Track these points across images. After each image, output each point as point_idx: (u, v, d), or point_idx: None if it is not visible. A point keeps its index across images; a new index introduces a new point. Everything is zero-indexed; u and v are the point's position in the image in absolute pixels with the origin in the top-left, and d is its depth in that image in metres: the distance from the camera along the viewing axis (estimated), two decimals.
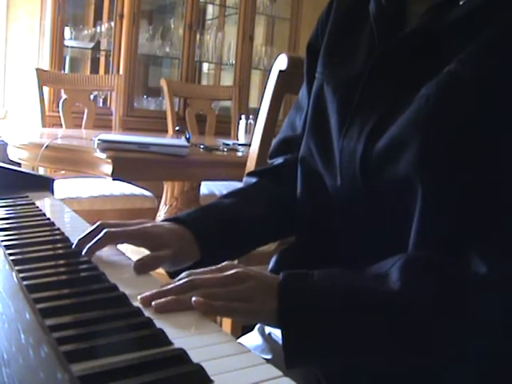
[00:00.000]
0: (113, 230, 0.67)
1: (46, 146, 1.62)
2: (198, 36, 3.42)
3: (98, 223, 0.68)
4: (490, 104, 0.58)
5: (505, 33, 0.58)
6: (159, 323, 0.47)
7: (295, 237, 0.82)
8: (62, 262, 0.65)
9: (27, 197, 0.99)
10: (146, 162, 1.61)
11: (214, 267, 0.59)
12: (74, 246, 0.67)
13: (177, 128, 2.69)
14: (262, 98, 1.40)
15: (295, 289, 0.56)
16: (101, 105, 3.29)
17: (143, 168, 1.62)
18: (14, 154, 1.82)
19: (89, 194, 2.32)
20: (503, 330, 0.57)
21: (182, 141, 1.87)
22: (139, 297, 0.53)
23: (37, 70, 2.67)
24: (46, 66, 2.98)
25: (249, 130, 2.34)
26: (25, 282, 0.54)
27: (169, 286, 0.55)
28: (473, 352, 0.59)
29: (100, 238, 0.65)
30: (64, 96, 2.68)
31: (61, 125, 2.64)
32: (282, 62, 1.32)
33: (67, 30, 3.09)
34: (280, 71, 1.33)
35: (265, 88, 1.38)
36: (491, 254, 0.56)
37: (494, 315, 0.56)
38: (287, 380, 0.40)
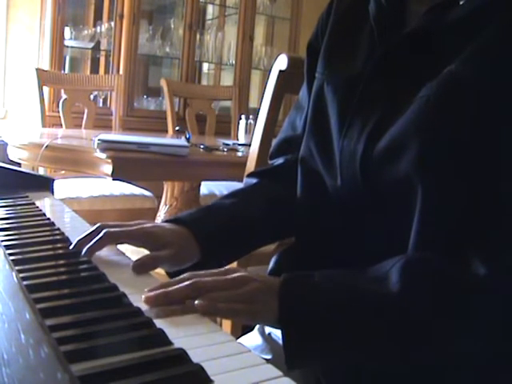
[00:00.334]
0: (112, 230, 0.67)
1: (46, 146, 1.62)
2: (198, 36, 3.42)
3: (97, 224, 0.68)
4: (489, 104, 0.58)
5: (505, 33, 0.58)
6: (159, 323, 0.47)
7: (295, 237, 0.82)
8: (62, 262, 0.65)
9: (27, 197, 0.99)
10: (146, 162, 1.61)
11: (215, 270, 0.59)
12: (72, 247, 0.67)
13: (177, 128, 2.69)
14: (262, 98, 1.40)
15: (296, 290, 0.56)
16: (101, 105, 3.30)
17: (143, 168, 1.62)
18: (14, 153, 1.82)
19: (89, 194, 2.32)
20: (503, 330, 0.57)
21: (182, 141, 1.87)
22: (143, 296, 0.53)
23: (37, 70, 2.67)
24: (46, 66, 2.98)
25: (249, 130, 2.34)
26: (25, 282, 0.54)
27: (172, 288, 0.55)
28: (473, 352, 0.59)
29: (99, 239, 0.65)
30: (64, 96, 2.68)
31: (61, 125, 2.64)
32: (281, 62, 1.32)
33: (67, 30, 3.09)
34: (280, 71, 1.33)
35: (265, 88, 1.38)
36: (491, 255, 0.56)
37: (493, 316, 0.56)
38: (287, 380, 0.40)
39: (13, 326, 0.45)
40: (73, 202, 2.19)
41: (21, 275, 0.56)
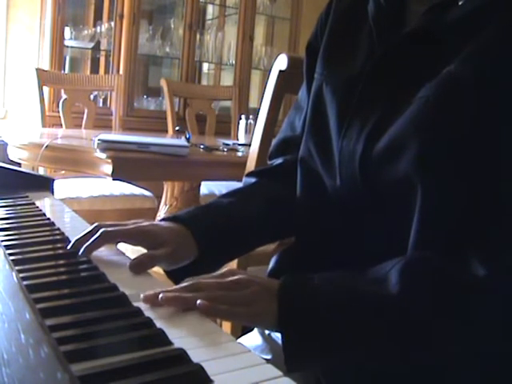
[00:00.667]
0: (109, 229, 0.67)
1: (46, 146, 1.62)
2: (198, 36, 3.42)
3: (94, 224, 0.68)
4: (489, 104, 0.58)
5: (504, 33, 0.58)
6: (159, 323, 0.47)
7: (295, 237, 0.82)
8: (61, 262, 0.64)
9: (27, 197, 0.99)
10: (146, 162, 1.61)
11: (216, 273, 0.59)
12: (69, 247, 0.66)
13: (177, 128, 2.69)
14: (262, 98, 1.39)
15: (295, 293, 0.57)
16: (101, 105, 3.29)
17: (143, 168, 1.62)
18: (14, 153, 1.82)
19: (89, 194, 2.32)
20: (503, 330, 0.57)
21: (182, 141, 1.87)
22: (142, 295, 0.53)
23: (37, 70, 2.67)
24: (46, 66, 2.98)
25: (249, 130, 2.34)
26: (25, 282, 0.54)
27: (174, 287, 0.55)
28: (473, 352, 0.59)
29: (97, 238, 0.65)
30: (64, 96, 2.68)
31: (61, 125, 2.64)
32: (282, 62, 1.32)
33: (67, 30, 3.09)
34: (280, 71, 1.33)
35: (265, 88, 1.38)
36: (491, 255, 0.56)
37: (493, 316, 0.56)
38: (287, 380, 0.40)
39: (13, 325, 0.45)
40: (73, 201, 2.19)
41: (21, 275, 0.56)
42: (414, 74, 0.64)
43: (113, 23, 3.15)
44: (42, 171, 2.38)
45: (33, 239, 0.71)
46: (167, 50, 3.43)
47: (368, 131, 0.66)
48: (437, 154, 0.59)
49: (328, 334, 0.55)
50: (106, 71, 3.33)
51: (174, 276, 0.73)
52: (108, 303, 0.51)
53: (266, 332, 0.84)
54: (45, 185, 1.07)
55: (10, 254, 0.63)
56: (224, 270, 0.60)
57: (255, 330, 0.87)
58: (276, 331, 0.57)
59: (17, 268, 0.58)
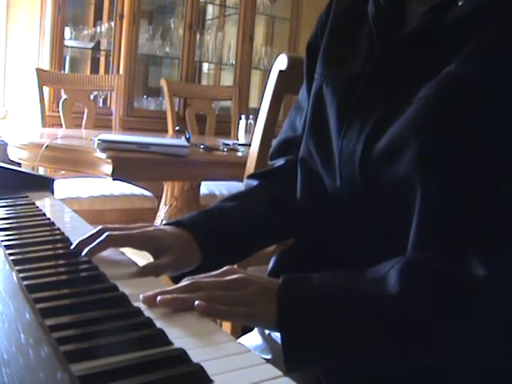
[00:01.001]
0: (115, 233, 0.67)
1: (46, 146, 1.62)
2: (198, 36, 3.42)
3: (99, 227, 0.68)
4: (489, 104, 0.58)
5: (504, 33, 0.58)
6: (159, 323, 0.47)
7: (295, 237, 0.82)
8: (62, 262, 0.65)
9: (27, 197, 0.99)
10: (146, 162, 1.61)
11: (215, 272, 0.59)
12: (72, 247, 0.67)
13: (177, 128, 2.69)
14: (262, 98, 1.39)
15: (295, 292, 0.57)
16: (101, 105, 3.29)
17: (143, 168, 1.62)
18: (14, 153, 1.82)
19: (89, 194, 2.32)
20: (503, 330, 0.57)
21: (182, 141, 1.87)
22: (141, 296, 0.53)
23: (37, 70, 2.67)
24: (46, 66, 2.98)
25: (249, 130, 2.34)
26: (25, 282, 0.54)
27: (172, 287, 0.55)
28: (473, 352, 0.59)
29: (101, 241, 0.65)
30: (64, 96, 2.68)
31: (61, 125, 2.64)
32: (282, 62, 1.32)
33: (67, 30, 3.09)
34: (280, 71, 1.32)
35: (265, 88, 1.38)
36: (491, 256, 0.56)
37: (493, 316, 0.56)
38: (287, 380, 0.40)
39: (13, 325, 0.45)
40: (73, 201, 2.19)
41: (21, 275, 0.56)
42: (414, 74, 0.64)
43: (113, 23, 3.15)
44: (42, 171, 2.39)
45: (33, 239, 0.71)
46: (167, 50, 3.44)
47: (368, 131, 0.66)
48: (437, 154, 0.59)
49: (328, 334, 0.55)
50: (106, 71, 3.33)
51: (177, 280, 0.73)
52: (108, 303, 0.51)
53: (266, 332, 0.84)
54: (45, 185, 1.07)
55: (10, 254, 0.63)
56: (224, 268, 0.60)
57: (255, 329, 0.87)
58: (275, 331, 0.57)
59: (17, 268, 0.58)
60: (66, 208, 0.95)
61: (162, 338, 0.44)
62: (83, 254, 0.64)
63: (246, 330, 0.89)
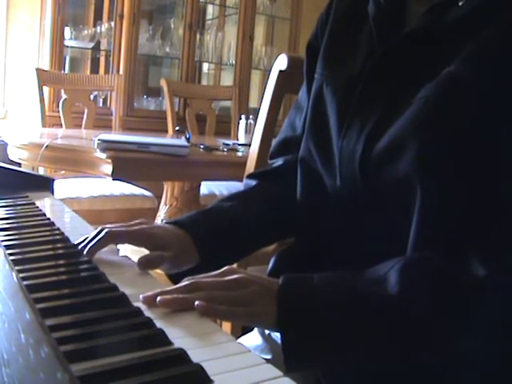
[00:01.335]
0: (114, 229, 0.68)
1: (46, 146, 1.62)
2: (198, 36, 3.42)
3: (98, 228, 0.69)
4: (489, 104, 0.58)
5: (504, 33, 0.58)
6: (159, 323, 0.47)
7: (295, 237, 0.82)
8: (61, 262, 0.65)
9: (27, 197, 0.99)
10: (146, 162, 1.61)
11: (215, 272, 0.59)
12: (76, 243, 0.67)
13: (177, 128, 2.69)
14: (262, 98, 1.39)
15: (294, 293, 0.57)
16: (101, 105, 3.29)
17: (143, 168, 1.62)
18: (14, 153, 1.82)
19: (89, 194, 2.31)
20: (503, 330, 0.57)
21: (182, 141, 1.87)
22: (141, 296, 0.53)
23: (37, 70, 2.67)
24: (46, 66, 2.98)
25: (249, 130, 2.34)
26: (25, 282, 0.54)
27: (172, 287, 0.55)
28: (473, 352, 0.59)
29: (101, 238, 0.66)
30: (64, 96, 2.68)
31: (61, 125, 2.64)
32: (282, 62, 1.32)
33: (67, 30, 3.09)
34: (280, 71, 1.32)
35: (265, 88, 1.38)
36: (491, 256, 0.56)
37: (493, 316, 0.56)
38: (287, 380, 0.40)
39: (13, 325, 0.45)
40: (73, 201, 2.19)
41: (21, 275, 0.56)
42: (414, 74, 0.64)
43: (113, 23, 3.15)
44: (42, 171, 2.38)
45: (33, 239, 0.71)
46: (167, 50, 3.43)
47: (368, 131, 0.66)
48: (437, 154, 0.59)
49: (328, 334, 0.55)
50: (106, 71, 3.33)
51: (176, 279, 0.73)
52: (108, 303, 0.51)
53: (266, 332, 0.84)
54: (45, 185, 1.07)
55: (10, 254, 0.63)
56: (224, 268, 0.60)
57: (255, 329, 0.87)
58: (275, 331, 0.57)
59: (17, 268, 0.58)
60: (66, 208, 0.95)
61: (161, 338, 0.44)
62: (85, 252, 0.65)
63: (246, 330, 0.89)
